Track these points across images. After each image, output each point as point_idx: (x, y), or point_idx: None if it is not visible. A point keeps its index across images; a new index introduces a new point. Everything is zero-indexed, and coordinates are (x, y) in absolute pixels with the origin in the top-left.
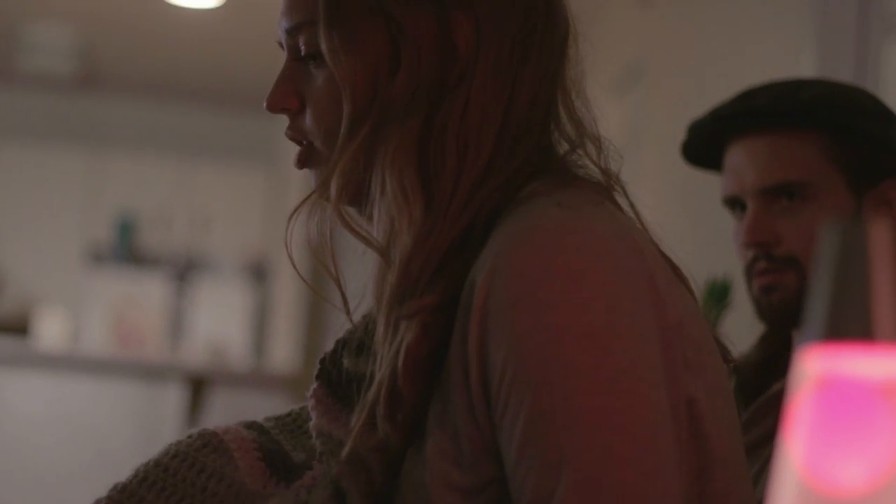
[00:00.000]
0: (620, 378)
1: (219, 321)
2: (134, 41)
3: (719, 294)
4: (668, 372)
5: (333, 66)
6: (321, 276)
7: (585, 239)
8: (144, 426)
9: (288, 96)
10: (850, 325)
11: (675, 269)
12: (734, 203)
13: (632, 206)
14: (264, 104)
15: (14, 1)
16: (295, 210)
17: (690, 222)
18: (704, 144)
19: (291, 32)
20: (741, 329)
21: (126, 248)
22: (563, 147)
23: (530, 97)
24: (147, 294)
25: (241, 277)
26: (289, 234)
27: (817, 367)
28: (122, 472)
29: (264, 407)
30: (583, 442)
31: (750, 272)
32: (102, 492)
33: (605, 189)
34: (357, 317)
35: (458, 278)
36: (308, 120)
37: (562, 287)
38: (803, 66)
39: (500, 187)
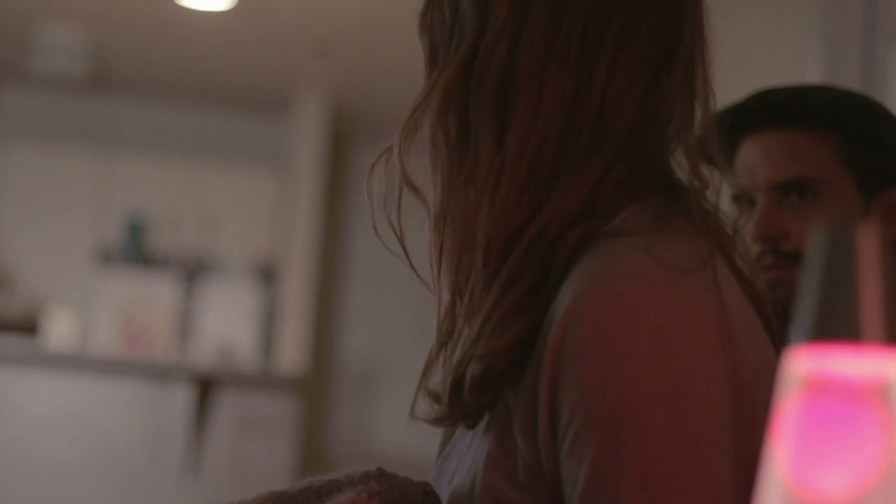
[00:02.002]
0: (691, 441)
1: (227, 322)
2: (145, 43)
3: None
4: (736, 430)
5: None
6: (332, 277)
7: (670, 293)
8: (152, 426)
9: None
10: (838, 326)
11: (762, 311)
12: (742, 199)
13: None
14: None
15: (26, 2)
16: (377, 161)
17: None
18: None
19: None
20: None
21: (135, 249)
22: (679, 169)
23: (618, 91)
24: (156, 295)
25: (249, 279)
26: (373, 181)
27: (804, 367)
28: (129, 471)
29: (271, 408)
30: (647, 502)
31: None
32: (109, 491)
33: (709, 233)
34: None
35: (536, 318)
36: None
37: (642, 341)
38: (810, 73)
39: (588, 208)
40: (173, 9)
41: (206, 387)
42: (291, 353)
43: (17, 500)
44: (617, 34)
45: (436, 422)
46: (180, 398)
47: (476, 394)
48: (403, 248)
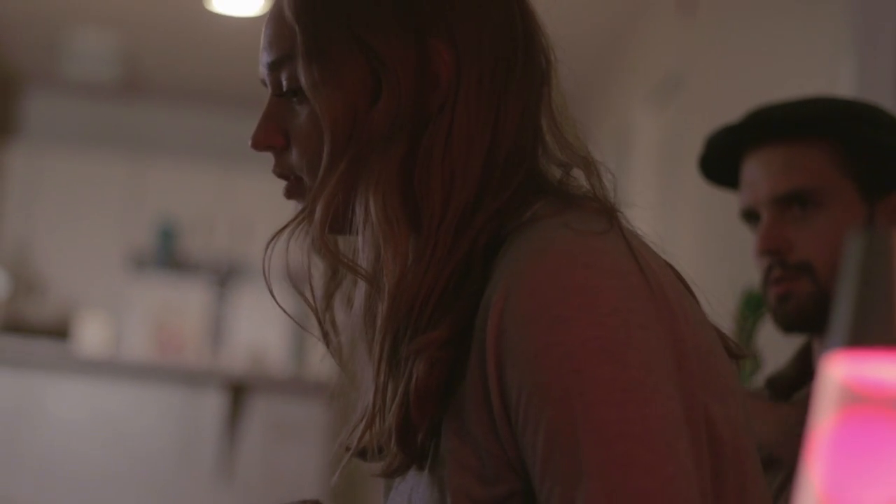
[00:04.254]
0: (636, 389)
1: (259, 328)
2: (176, 48)
3: (756, 304)
4: (685, 383)
5: (314, 99)
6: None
7: (595, 258)
8: (184, 432)
9: (272, 134)
10: (875, 332)
11: (680, 279)
12: (750, 216)
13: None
14: (249, 142)
15: (58, 7)
16: (274, 236)
17: (730, 231)
18: (721, 158)
19: (273, 67)
20: (778, 338)
21: (167, 255)
22: (554, 172)
23: (516, 124)
24: (188, 300)
25: (281, 284)
26: (267, 258)
27: (841, 372)
28: (162, 477)
29: (303, 413)
30: (604, 452)
31: (766, 281)
32: (141, 496)
33: (607, 207)
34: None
35: (467, 309)
36: (294, 156)
37: (576, 304)
38: (843, 76)
39: (495, 216)
40: (205, 14)
41: (238, 392)
42: (323, 359)
43: None
44: (520, 77)
45: (389, 472)
46: (212, 404)
47: (425, 398)
48: (320, 322)
